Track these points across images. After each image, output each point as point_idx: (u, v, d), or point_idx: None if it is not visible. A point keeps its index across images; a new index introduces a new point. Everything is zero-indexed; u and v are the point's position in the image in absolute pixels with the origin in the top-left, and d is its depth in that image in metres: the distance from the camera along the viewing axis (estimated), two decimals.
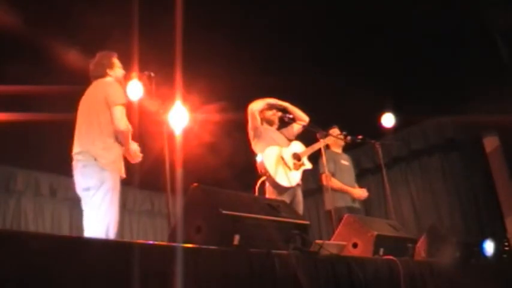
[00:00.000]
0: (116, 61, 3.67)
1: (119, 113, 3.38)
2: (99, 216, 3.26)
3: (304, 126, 4.66)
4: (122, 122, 3.38)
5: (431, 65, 5.52)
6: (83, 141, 3.40)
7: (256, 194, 4.26)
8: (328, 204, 4.79)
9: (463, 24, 5.03)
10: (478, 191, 6.73)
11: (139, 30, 4.42)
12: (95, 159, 3.32)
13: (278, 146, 4.45)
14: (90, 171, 3.31)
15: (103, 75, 3.60)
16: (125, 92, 3.56)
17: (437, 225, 4.75)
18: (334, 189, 4.96)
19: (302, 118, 4.65)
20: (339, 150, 5.35)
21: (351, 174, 5.24)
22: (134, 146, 3.55)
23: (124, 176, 3.45)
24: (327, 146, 5.18)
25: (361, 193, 5.07)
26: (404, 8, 4.86)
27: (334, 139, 5.09)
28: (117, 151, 3.41)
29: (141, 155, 3.59)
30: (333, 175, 5.03)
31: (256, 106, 4.49)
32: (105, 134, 3.39)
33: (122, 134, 3.41)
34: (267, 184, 4.33)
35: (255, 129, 4.49)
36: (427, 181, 7.34)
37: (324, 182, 4.90)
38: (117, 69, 3.65)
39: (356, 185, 5.22)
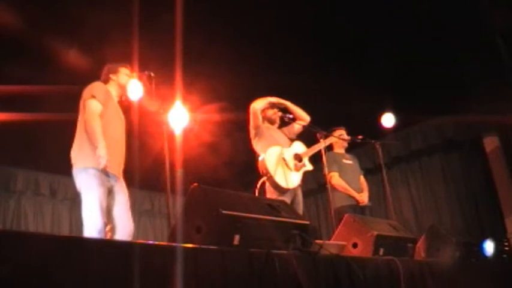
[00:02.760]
0: (123, 69, 3.73)
1: (87, 105, 3.46)
2: (83, 218, 3.34)
3: (304, 126, 4.66)
4: (88, 112, 3.43)
5: (431, 65, 5.52)
6: None
7: (257, 194, 4.25)
8: (336, 203, 4.83)
9: (463, 24, 5.03)
10: (478, 191, 6.73)
11: (139, 30, 4.42)
12: (72, 164, 3.43)
13: (280, 146, 4.45)
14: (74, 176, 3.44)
15: (106, 80, 3.72)
16: (104, 91, 3.59)
17: (437, 225, 4.75)
18: (338, 190, 5.01)
19: (303, 118, 4.65)
20: (342, 151, 5.37)
21: (354, 173, 5.26)
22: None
23: (100, 166, 3.32)
24: (330, 147, 5.20)
25: (361, 198, 5.08)
26: (405, 8, 4.86)
27: (337, 139, 5.10)
28: (85, 146, 3.40)
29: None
30: None
31: (259, 105, 4.49)
32: (78, 135, 3.49)
33: (86, 122, 3.43)
34: (267, 184, 4.33)
35: (257, 127, 4.48)
36: (427, 181, 7.35)
37: (332, 182, 4.95)
38: (121, 75, 3.71)
39: (360, 183, 5.25)
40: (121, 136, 3.66)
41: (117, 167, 3.54)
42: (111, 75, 3.71)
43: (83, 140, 3.44)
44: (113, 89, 3.71)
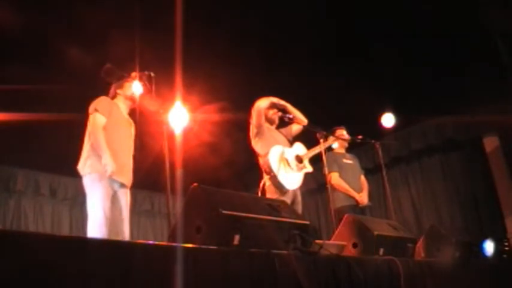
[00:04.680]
0: (128, 84, 3.88)
1: (91, 119, 3.69)
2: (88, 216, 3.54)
3: (304, 126, 4.66)
4: (92, 125, 3.66)
5: (431, 65, 5.52)
6: None
7: (260, 194, 4.25)
8: (336, 203, 4.83)
9: (463, 24, 5.03)
10: (478, 191, 6.73)
11: (139, 30, 4.43)
12: (80, 173, 3.63)
13: (281, 146, 4.45)
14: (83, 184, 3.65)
15: (114, 95, 3.93)
16: (108, 104, 3.79)
17: (437, 225, 4.75)
18: (339, 190, 5.02)
19: (301, 120, 4.65)
20: (342, 150, 5.38)
21: (354, 172, 5.26)
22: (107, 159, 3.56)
23: (108, 173, 3.51)
24: (331, 147, 5.20)
25: (360, 199, 5.08)
26: (405, 8, 4.86)
27: (337, 140, 5.10)
28: (90, 156, 3.61)
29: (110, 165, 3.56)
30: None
31: (264, 104, 4.49)
32: (84, 146, 3.70)
33: (91, 134, 3.65)
34: (268, 184, 4.32)
35: (259, 126, 4.48)
36: (427, 181, 7.35)
37: (332, 182, 4.96)
38: (127, 88, 3.88)
39: (361, 183, 5.26)
40: (128, 146, 3.82)
41: (122, 174, 3.67)
42: (118, 91, 3.91)
43: (88, 150, 3.64)
44: (120, 102, 3.91)
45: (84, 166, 3.61)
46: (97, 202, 3.49)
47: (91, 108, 3.73)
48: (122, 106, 3.90)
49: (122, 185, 3.69)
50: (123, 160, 3.70)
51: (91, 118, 3.69)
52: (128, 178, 3.75)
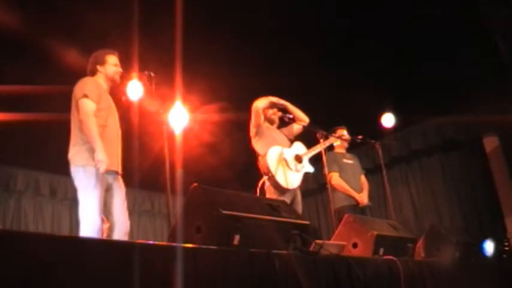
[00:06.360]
0: (110, 58, 3.61)
1: (80, 105, 3.34)
2: (80, 217, 3.26)
3: (304, 126, 4.66)
4: (82, 112, 3.32)
5: (431, 65, 5.52)
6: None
7: (258, 194, 4.25)
8: (336, 203, 4.84)
9: (463, 24, 5.03)
10: (478, 191, 6.73)
11: (139, 30, 4.42)
12: (70, 163, 3.35)
13: (280, 146, 4.45)
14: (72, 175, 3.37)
15: (94, 71, 3.59)
16: (96, 86, 3.47)
17: (437, 225, 4.75)
18: (338, 190, 5.02)
19: (302, 118, 4.64)
20: (343, 150, 5.38)
21: (354, 172, 5.27)
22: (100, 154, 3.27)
23: (100, 171, 3.24)
24: (331, 147, 5.20)
25: (361, 199, 5.08)
26: (405, 8, 4.87)
27: (338, 140, 5.10)
28: (83, 144, 3.32)
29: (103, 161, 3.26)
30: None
31: (261, 103, 4.48)
32: (74, 134, 3.40)
33: (81, 123, 3.32)
34: (267, 184, 4.33)
35: (258, 126, 4.48)
36: (427, 181, 7.35)
37: (332, 182, 4.97)
38: (109, 66, 3.58)
39: (361, 183, 5.26)
40: (117, 128, 3.58)
41: (116, 162, 3.47)
42: (98, 67, 3.58)
43: (79, 138, 3.36)
44: (101, 80, 3.58)
45: (77, 155, 3.31)
46: (92, 206, 3.21)
47: (78, 92, 3.37)
48: (103, 84, 3.57)
49: (115, 175, 3.45)
50: (114, 147, 3.47)
51: (80, 104, 3.33)
52: (119, 164, 3.50)
